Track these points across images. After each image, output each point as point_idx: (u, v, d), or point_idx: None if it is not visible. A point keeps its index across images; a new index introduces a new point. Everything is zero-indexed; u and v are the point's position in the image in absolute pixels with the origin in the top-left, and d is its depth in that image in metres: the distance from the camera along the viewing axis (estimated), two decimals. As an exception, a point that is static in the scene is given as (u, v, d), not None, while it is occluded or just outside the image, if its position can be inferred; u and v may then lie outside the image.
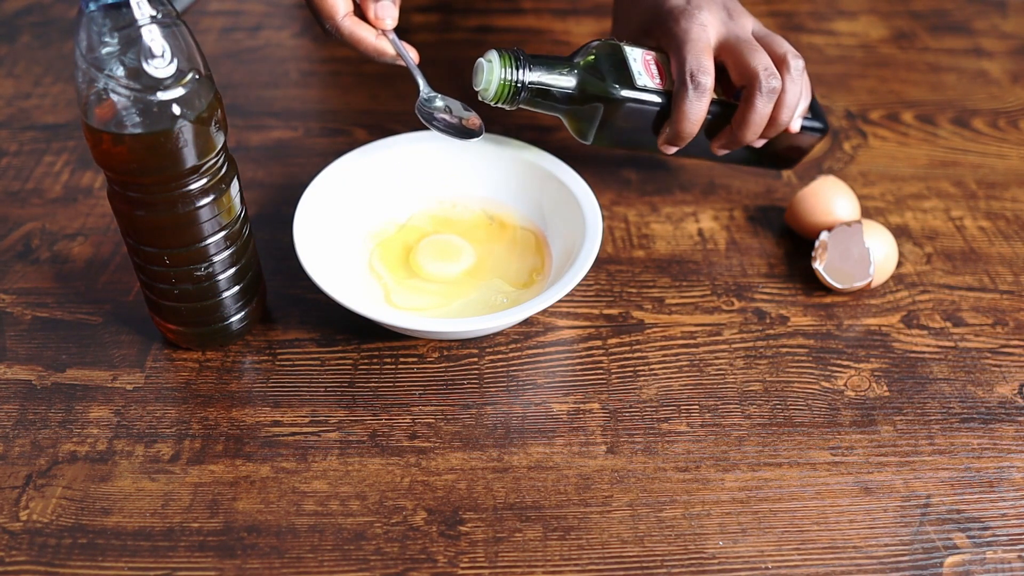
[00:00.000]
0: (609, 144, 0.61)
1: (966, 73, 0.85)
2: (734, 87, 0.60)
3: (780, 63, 0.58)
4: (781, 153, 0.67)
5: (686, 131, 0.57)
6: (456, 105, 0.60)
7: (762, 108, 0.57)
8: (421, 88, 0.59)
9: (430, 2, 0.93)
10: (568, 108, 0.58)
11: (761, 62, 0.56)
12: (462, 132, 0.59)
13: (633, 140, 0.61)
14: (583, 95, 0.57)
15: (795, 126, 0.61)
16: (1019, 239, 0.66)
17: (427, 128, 0.59)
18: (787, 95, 0.58)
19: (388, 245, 0.62)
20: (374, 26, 0.56)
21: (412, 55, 0.58)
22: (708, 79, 0.56)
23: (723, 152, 0.62)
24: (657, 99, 0.58)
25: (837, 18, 0.93)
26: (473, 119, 0.60)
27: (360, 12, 0.57)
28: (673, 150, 0.60)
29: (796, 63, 0.58)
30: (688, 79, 0.56)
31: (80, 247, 0.64)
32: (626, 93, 0.57)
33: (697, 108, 0.56)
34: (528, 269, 0.61)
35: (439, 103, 0.59)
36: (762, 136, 0.61)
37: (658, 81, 0.58)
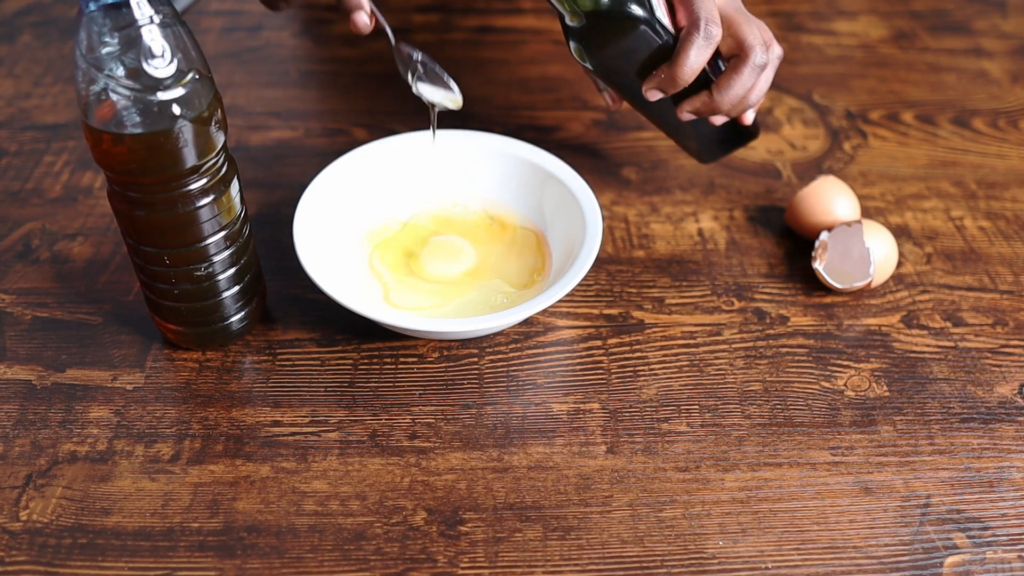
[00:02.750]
0: (600, 72, 0.60)
1: (966, 73, 0.85)
2: (716, 56, 0.60)
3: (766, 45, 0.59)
4: (715, 142, 0.67)
5: (682, 76, 0.57)
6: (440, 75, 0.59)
7: (748, 79, 0.58)
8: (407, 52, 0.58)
9: (430, 2, 0.93)
10: (586, 13, 0.57)
11: (758, 36, 0.57)
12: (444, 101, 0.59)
13: (624, 74, 0.60)
14: (610, 5, 0.56)
15: (749, 117, 0.63)
16: (1019, 239, 0.66)
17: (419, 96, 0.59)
18: (761, 79, 0.59)
19: (388, 245, 0.62)
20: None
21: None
22: (718, 31, 0.56)
23: (690, 118, 0.62)
24: (665, 37, 0.57)
25: (837, 18, 0.93)
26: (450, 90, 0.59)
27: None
28: (657, 96, 0.59)
29: (778, 51, 0.59)
30: (702, 24, 0.56)
31: (80, 247, 0.64)
32: (647, 16, 0.56)
33: (701, 56, 0.56)
34: (528, 269, 0.61)
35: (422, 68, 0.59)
36: (727, 112, 0.61)
37: (668, 22, 0.58)
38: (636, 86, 0.60)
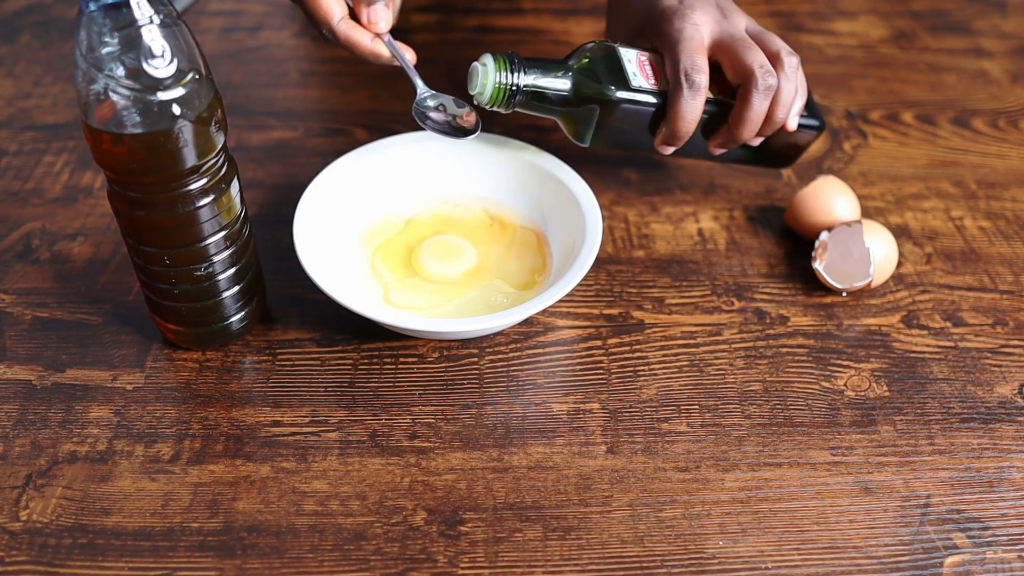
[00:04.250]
0: (606, 146, 0.61)
1: (966, 73, 0.85)
2: (730, 86, 0.59)
3: (775, 60, 0.58)
4: (778, 151, 0.66)
5: (682, 130, 0.57)
6: (452, 103, 0.60)
7: (759, 106, 0.57)
8: (418, 88, 0.59)
9: (430, 2, 0.93)
10: (564, 110, 0.58)
11: (757, 59, 0.56)
12: (458, 131, 0.59)
13: (630, 141, 0.61)
14: (578, 97, 0.57)
15: (792, 124, 0.61)
16: (1019, 239, 0.66)
17: (423, 129, 0.59)
18: (782, 92, 0.58)
19: (389, 245, 0.62)
20: (368, 30, 0.56)
21: (409, 56, 0.58)
22: (702, 77, 0.56)
23: (720, 151, 0.62)
24: (652, 99, 0.58)
25: (837, 18, 0.93)
26: (469, 115, 0.60)
27: (356, 16, 0.57)
28: (670, 150, 0.60)
29: (790, 60, 0.58)
30: (683, 78, 0.56)
31: (80, 247, 0.64)
32: (621, 94, 0.57)
33: (692, 107, 0.56)
34: (529, 269, 0.61)
35: (435, 102, 0.59)
36: (759, 134, 0.60)
37: (653, 82, 0.58)
38: (651, 146, 0.61)
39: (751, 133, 0.59)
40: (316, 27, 0.57)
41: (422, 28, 0.89)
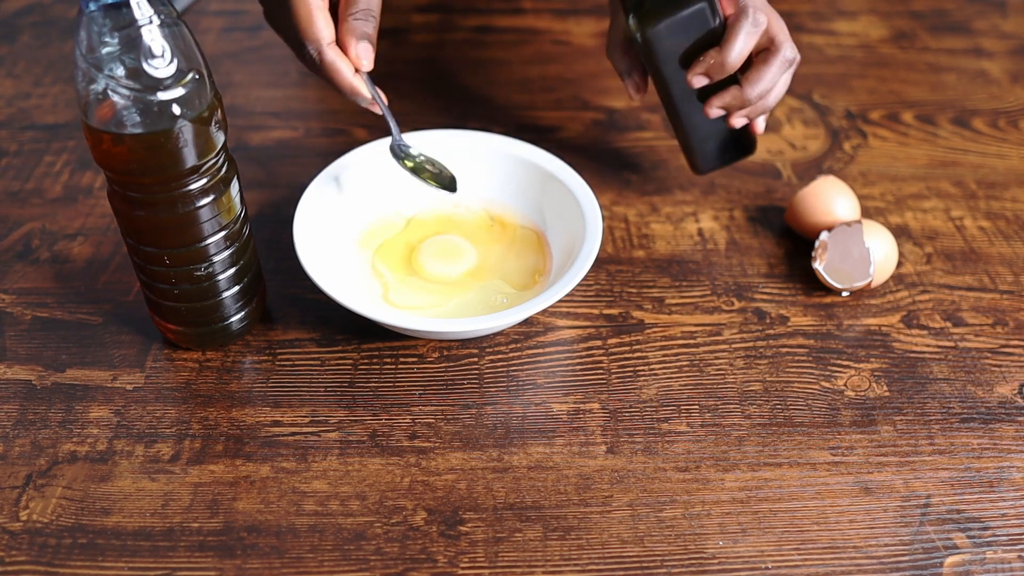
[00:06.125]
0: (649, 49, 0.60)
1: (966, 73, 0.85)
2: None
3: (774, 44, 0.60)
4: (719, 150, 0.67)
5: (730, 61, 0.58)
6: (429, 158, 0.60)
7: (776, 73, 0.59)
8: (393, 133, 0.59)
9: (430, 2, 0.93)
10: None
11: (787, 33, 0.60)
12: (439, 181, 0.59)
13: (671, 57, 0.60)
14: None
15: (760, 125, 0.64)
16: (1019, 239, 0.66)
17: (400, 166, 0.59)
18: (785, 76, 0.61)
19: (389, 245, 0.62)
20: (352, 63, 0.56)
21: (382, 97, 0.58)
22: (764, 19, 0.58)
23: (718, 113, 0.62)
24: (718, 21, 0.58)
25: (837, 18, 0.93)
26: (446, 172, 0.60)
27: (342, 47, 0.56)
28: (702, 83, 0.60)
29: (799, 55, 0.61)
30: (750, 11, 0.57)
31: (80, 247, 0.64)
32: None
33: (750, 41, 0.58)
34: (529, 269, 0.61)
35: (413, 151, 0.60)
36: (753, 105, 0.61)
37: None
38: (675, 71, 0.61)
39: (757, 97, 0.60)
40: (299, 46, 0.55)
41: (422, 28, 0.89)
